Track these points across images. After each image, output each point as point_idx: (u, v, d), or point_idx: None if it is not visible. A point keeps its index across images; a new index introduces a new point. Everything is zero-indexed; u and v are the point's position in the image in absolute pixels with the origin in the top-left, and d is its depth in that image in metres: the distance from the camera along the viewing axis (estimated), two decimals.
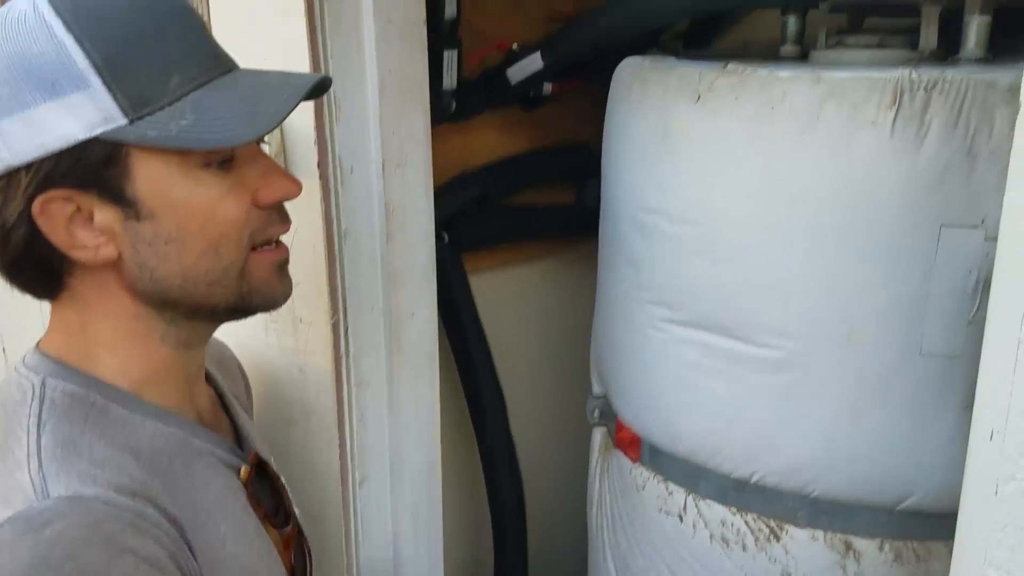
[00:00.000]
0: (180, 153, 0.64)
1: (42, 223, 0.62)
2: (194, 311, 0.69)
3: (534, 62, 1.30)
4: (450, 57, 1.29)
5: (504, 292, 1.53)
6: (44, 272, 0.66)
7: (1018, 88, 0.80)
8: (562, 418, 1.62)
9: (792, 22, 1.12)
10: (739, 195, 0.92)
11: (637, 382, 1.11)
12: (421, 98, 1.06)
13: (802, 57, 1.11)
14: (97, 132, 0.61)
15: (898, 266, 0.85)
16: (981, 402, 0.52)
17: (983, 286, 0.83)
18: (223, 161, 0.66)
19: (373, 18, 0.95)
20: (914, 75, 0.83)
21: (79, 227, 0.63)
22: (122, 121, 0.61)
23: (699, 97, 0.95)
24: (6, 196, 0.62)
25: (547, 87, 1.44)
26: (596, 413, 1.26)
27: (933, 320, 0.85)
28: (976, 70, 0.83)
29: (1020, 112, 0.49)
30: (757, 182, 0.91)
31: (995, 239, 0.82)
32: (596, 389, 1.27)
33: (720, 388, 0.99)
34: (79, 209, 0.63)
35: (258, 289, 0.70)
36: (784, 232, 0.90)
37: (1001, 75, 0.81)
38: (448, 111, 1.32)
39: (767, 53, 1.18)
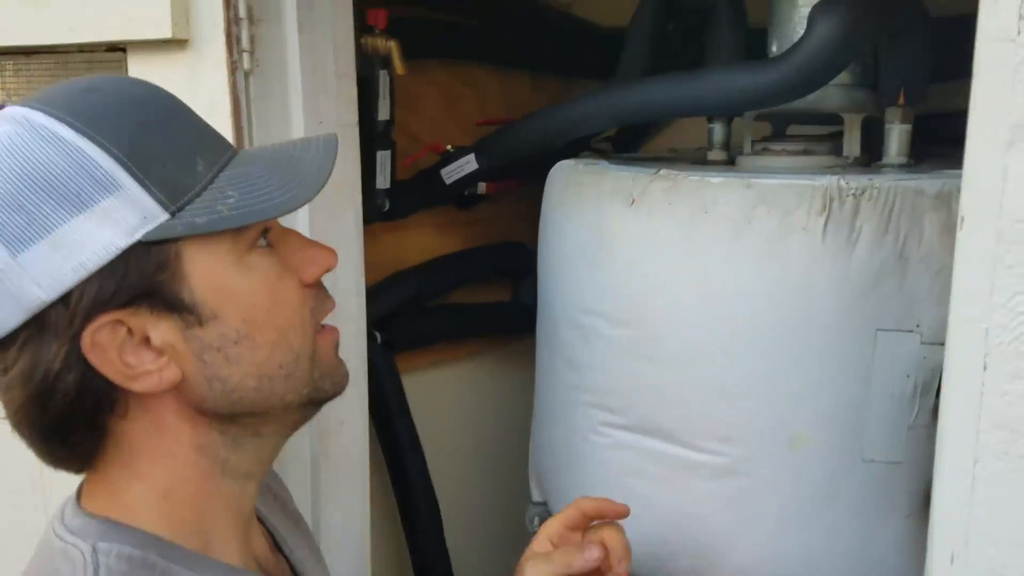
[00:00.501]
0: (232, 239, 0.58)
1: (95, 358, 0.54)
2: (265, 418, 0.63)
3: (469, 163, 1.30)
4: (383, 158, 1.28)
5: (439, 393, 1.49)
6: (91, 425, 0.58)
7: (946, 196, 0.82)
8: (500, 526, 1.56)
9: (718, 129, 1.15)
10: (676, 298, 0.92)
11: (578, 489, 1.07)
12: (352, 198, 1.04)
13: (729, 162, 1.13)
14: (140, 235, 0.54)
15: (836, 371, 0.85)
16: (939, 525, 0.50)
17: (921, 391, 0.83)
18: (267, 244, 0.62)
19: (303, 119, 0.94)
20: (842, 182, 0.84)
21: (132, 353, 0.56)
22: (164, 216, 0.55)
23: (633, 201, 0.95)
24: (40, 343, 0.54)
25: (482, 186, 1.44)
26: (536, 521, 1.21)
27: (874, 425, 0.85)
28: (903, 177, 0.85)
29: (960, 226, 0.49)
30: (693, 285, 0.90)
31: (931, 343, 0.83)
32: (535, 495, 1.22)
33: (664, 495, 0.96)
34: (130, 332, 0.56)
35: (328, 373, 0.65)
36: (722, 336, 0.89)
37: (928, 183, 0.83)
38: (381, 210, 1.30)
39: (695, 158, 1.20)
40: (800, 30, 1.06)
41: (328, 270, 0.66)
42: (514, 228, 1.56)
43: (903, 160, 1.02)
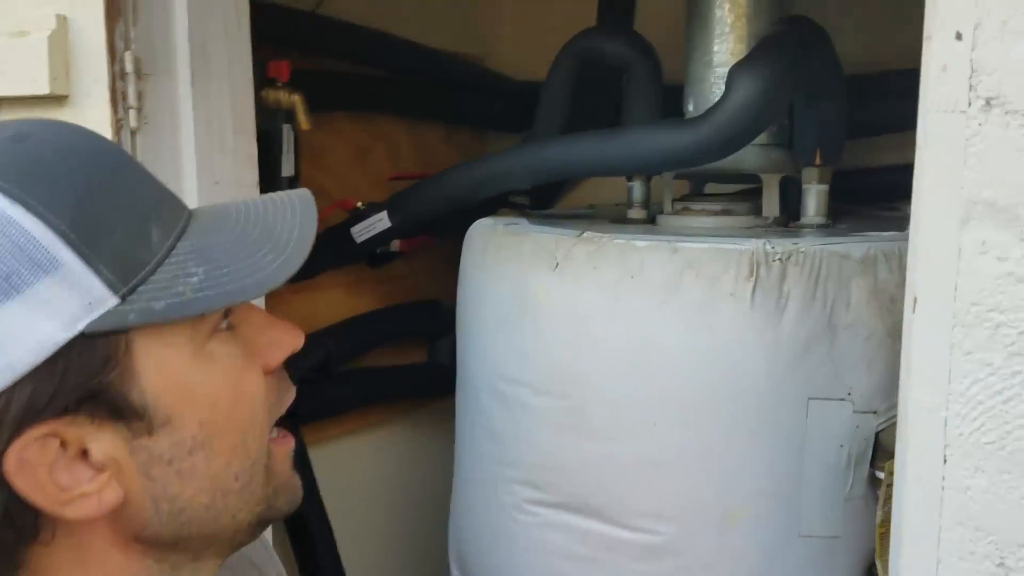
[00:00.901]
0: (193, 325, 0.48)
1: (22, 482, 0.43)
2: (210, 541, 0.52)
3: (381, 221, 1.24)
4: None
5: (352, 464, 1.40)
6: (7, 559, 0.46)
7: (871, 261, 0.81)
8: None
9: (637, 187, 1.13)
10: (603, 366, 0.87)
11: (501, 570, 1.00)
12: None
13: (649, 220, 1.11)
14: (83, 326, 0.44)
15: (769, 441, 0.81)
16: None
17: (855, 461, 0.81)
18: (228, 327, 0.51)
19: (196, 180, 0.86)
20: (768, 247, 0.82)
21: (65, 470, 0.45)
22: (113, 301, 0.44)
23: (557, 265, 0.91)
24: None
25: (395, 243, 1.38)
26: None
27: (809, 499, 0.81)
28: (828, 241, 0.83)
29: (912, 308, 0.46)
30: (622, 353, 0.86)
31: (863, 412, 0.81)
32: (456, 575, 1.14)
33: None
34: (63, 445, 0.45)
35: (283, 488, 0.55)
36: (652, 406, 0.85)
37: (853, 247, 0.82)
38: None
39: (615, 215, 1.18)
40: (716, 89, 1.06)
41: (294, 352, 0.55)
42: (429, 285, 1.50)
43: (821, 220, 1.01)
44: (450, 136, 1.56)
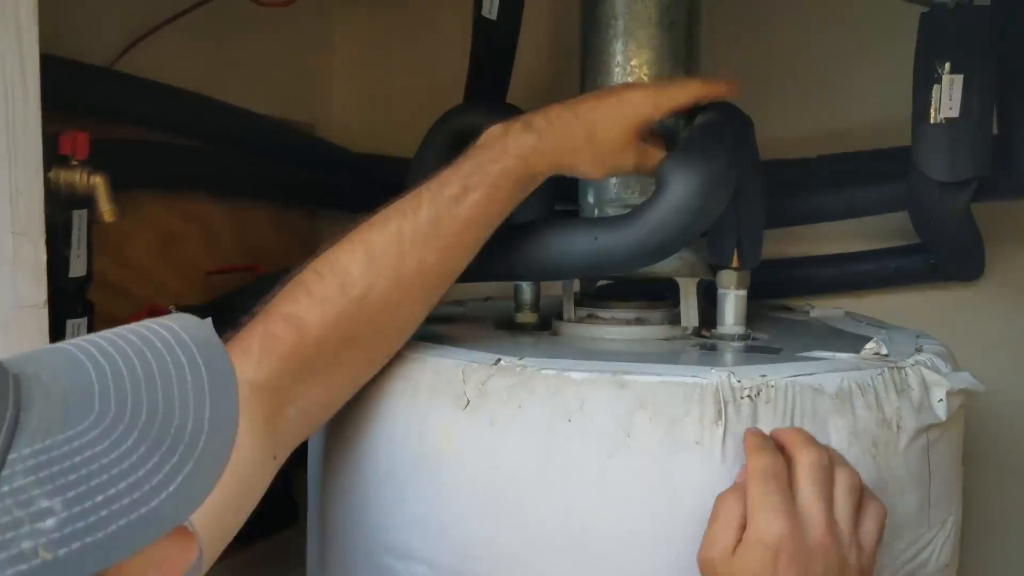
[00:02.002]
0: None
1: None
2: None
3: None
4: (76, 328, 0.91)
5: None
6: None
7: (846, 395, 0.69)
8: None
9: (528, 288, 0.97)
10: (534, 540, 0.68)
11: None
12: None
13: (542, 327, 0.95)
14: None
15: None
16: None
17: None
18: None
19: None
20: (734, 380, 0.68)
21: None
22: None
23: (468, 403, 0.71)
24: None
25: None
26: None
27: None
28: (795, 371, 0.70)
29: None
30: (558, 520, 0.68)
31: None
32: None
33: None
34: None
35: None
36: None
37: (825, 379, 0.70)
38: None
39: (495, 317, 1.01)
40: (620, 181, 0.93)
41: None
42: None
43: (741, 330, 0.90)
44: (279, 217, 1.32)
